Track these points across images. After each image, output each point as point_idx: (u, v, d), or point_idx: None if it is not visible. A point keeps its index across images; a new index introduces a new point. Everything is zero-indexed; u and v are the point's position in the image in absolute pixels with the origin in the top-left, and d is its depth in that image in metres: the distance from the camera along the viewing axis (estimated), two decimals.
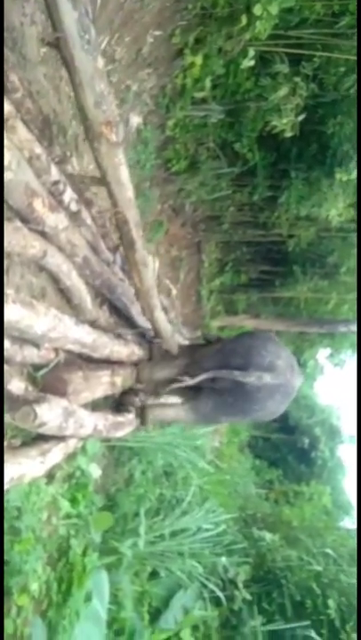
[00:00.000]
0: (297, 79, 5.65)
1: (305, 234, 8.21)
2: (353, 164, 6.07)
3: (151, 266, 3.78)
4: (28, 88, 3.24)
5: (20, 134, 2.73)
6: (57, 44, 2.30)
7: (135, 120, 5.90)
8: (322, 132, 6.54)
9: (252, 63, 5.54)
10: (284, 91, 5.64)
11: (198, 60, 5.44)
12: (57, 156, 3.35)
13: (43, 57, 3.52)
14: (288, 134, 5.87)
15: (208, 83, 5.80)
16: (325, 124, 6.34)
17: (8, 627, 2.50)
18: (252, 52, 5.40)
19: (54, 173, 3.14)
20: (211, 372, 4.32)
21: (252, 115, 6.32)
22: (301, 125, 5.91)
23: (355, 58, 5.42)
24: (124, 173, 2.90)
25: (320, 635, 5.46)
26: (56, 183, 3.21)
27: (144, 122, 6.03)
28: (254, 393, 4.25)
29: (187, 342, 5.47)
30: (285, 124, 5.73)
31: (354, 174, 6.06)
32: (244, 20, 4.92)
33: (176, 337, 5.41)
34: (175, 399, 4.88)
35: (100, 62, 2.42)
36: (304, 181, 6.99)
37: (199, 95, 6.01)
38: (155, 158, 6.32)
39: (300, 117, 5.79)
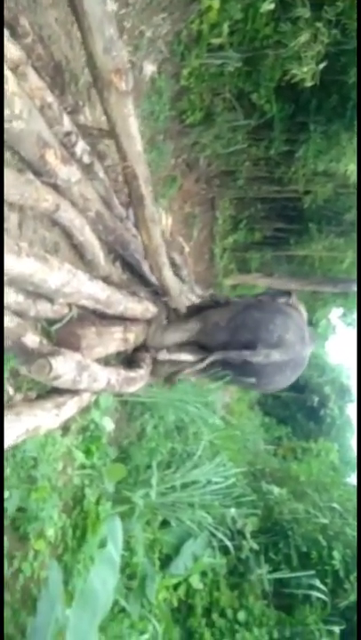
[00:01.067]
0: (319, 24, 5.35)
1: (322, 190, 7.98)
2: None
3: (160, 223, 3.71)
4: (39, 33, 3.13)
5: (31, 81, 2.65)
6: None
7: (149, 68, 5.69)
8: (343, 82, 6.24)
9: (271, 7, 5.27)
10: (304, 37, 5.36)
11: (216, 3, 5.18)
12: (69, 106, 3.26)
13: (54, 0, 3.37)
14: (308, 84, 5.61)
15: (225, 28, 5.55)
16: (347, 73, 6.04)
17: (26, 569, 2.61)
18: None
19: (66, 124, 3.06)
20: (220, 352, 4.36)
21: (271, 63, 6.03)
22: (322, 75, 5.63)
23: None
24: (134, 125, 2.82)
25: (324, 584, 5.66)
26: (68, 134, 3.13)
27: (158, 70, 5.81)
28: (262, 370, 4.32)
29: (197, 301, 5.44)
30: (306, 72, 5.47)
31: None
32: None
33: (184, 295, 5.38)
34: (187, 356, 4.93)
35: (110, 5, 2.32)
36: (323, 135, 6.75)
37: (216, 42, 5.75)
38: (169, 109, 6.12)
39: (321, 66, 5.51)
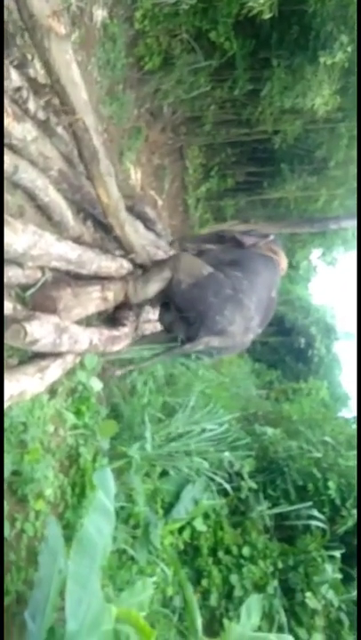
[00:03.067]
0: None
1: (291, 128, 7.83)
2: (337, 45, 5.64)
3: (115, 176, 3.59)
4: None
5: None
6: None
7: (99, 14, 5.42)
8: (303, 11, 6.02)
9: None
10: None
11: None
12: (16, 59, 3.10)
13: None
14: (266, 16, 5.38)
15: None
16: (306, 1, 5.82)
17: (28, 529, 2.69)
18: None
19: (15, 79, 2.92)
20: (165, 353, 4.87)
21: None
22: (280, 5, 5.42)
23: None
24: (76, 71, 2.69)
25: (322, 513, 5.91)
26: (19, 89, 2.99)
27: (110, 15, 5.54)
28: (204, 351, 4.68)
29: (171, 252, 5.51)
30: (263, 4, 5.24)
31: (339, 56, 5.65)
32: None
33: (162, 250, 5.38)
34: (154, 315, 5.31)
35: None
36: (287, 69, 6.56)
37: None
38: (125, 57, 5.88)
39: None
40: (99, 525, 2.00)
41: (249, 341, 4.90)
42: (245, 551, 5.40)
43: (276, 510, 5.95)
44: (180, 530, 5.10)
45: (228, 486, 5.54)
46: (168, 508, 4.88)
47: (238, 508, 5.98)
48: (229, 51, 6.53)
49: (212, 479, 5.35)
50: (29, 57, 3.52)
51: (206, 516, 5.38)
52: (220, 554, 5.33)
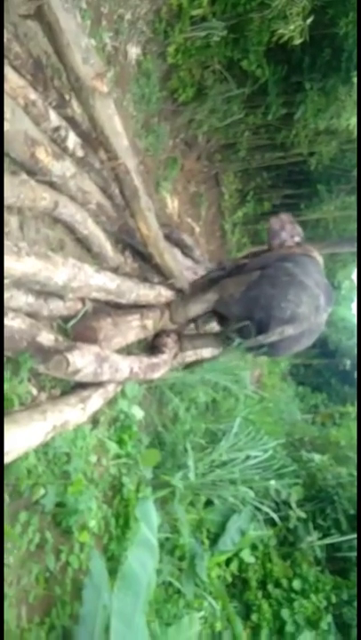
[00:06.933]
0: None
1: (326, 149, 7.79)
2: None
3: (154, 208, 3.71)
4: (14, 31, 3.09)
5: (11, 81, 2.63)
6: (38, 12, 2.42)
7: (133, 51, 5.60)
8: (334, 34, 6.04)
9: None
10: None
11: None
12: (54, 100, 3.23)
13: None
14: (297, 42, 5.44)
15: None
16: (337, 24, 5.84)
17: (73, 562, 2.67)
18: None
19: (54, 119, 3.05)
20: (237, 334, 4.57)
21: (257, 26, 5.86)
22: (311, 30, 5.45)
23: None
24: (118, 122, 2.93)
25: None
26: (57, 129, 3.11)
27: (143, 52, 5.71)
28: (279, 344, 4.44)
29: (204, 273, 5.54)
30: (293, 30, 5.30)
31: None
32: None
33: (187, 274, 5.43)
34: (211, 326, 5.25)
35: (79, 17, 2.53)
36: (320, 92, 6.56)
37: (197, 13, 5.61)
38: (159, 90, 6.03)
39: (309, 21, 5.33)
40: (142, 560, 1.97)
41: (323, 322, 4.62)
42: (296, 584, 5.19)
43: (327, 541, 5.72)
44: (228, 562, 4.96)
45: (275, 516, 5.38)
46: (214, 539, 4.77)
47: (287, 538, 5.79)
48: (261, 77, 6.60)
49: (259, 509, 5.20)
50: (67, 97, 3.66)
51: (254, 548, 5.22)
52: (270, 587, 5.15)
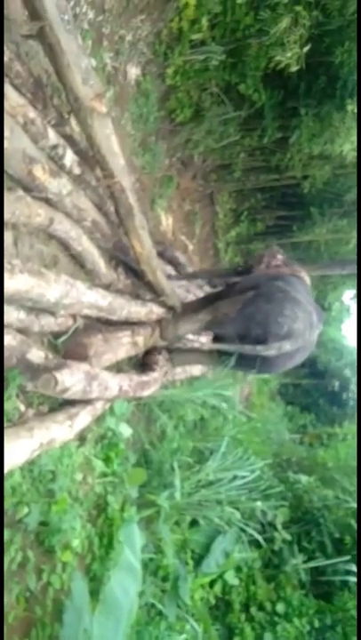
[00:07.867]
0: (298, 8, 5.30)
1: (320, 173, 7.92)
2: None
3: (148, 226, 3.74)
4: (15, 50, 3.13)
5: (11, 99, 2.66)
6: (40, 33, 2.41)
7: (133, 72, 5.69)
8: (330, 62, 6.19)
9: None
10: (285, 22, 5.32)
11: None
12: (53, 119, 3.27)
13: (27, 16, 3.38)
14: (294, 69, 5.57)
15: (205, 23, 5.53)
16: (333, 53, 5.99)
17: (55, 582, 2.64)
18: None
19: (52, 137, 3.08)
20: (234, 345, 4.50)
21: (255, 52, 5.99)
22: (307, 58, 5.59)
23: None
24: (115, 142, 2.96)
25: None
26: (55, 147, 3.14)
27: (142, 73, 5.80)
28: (274, 359, 4.42)
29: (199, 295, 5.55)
30: (290, 57, 5.43)
31: None
32: None
33: (192, 293, 5.44)
34: (202, 341, 5.23)
35: (80, 39, 2.55)
36: (315, 117, 6.69)
37: (197, 37, 5.73)
38: (157, 110, 6.12)
39: (306, 49, 5.47)
40: (125, 585, 1.95)
41: (315, 340, 4.66)
42: (280, 607, 5.16)
43: (312, 564, 5.70)
44: (211, 583, 4.92)
45: (260, 538, 5.36)
46: (198, 560, 4.73)
47: (272, 560, 5.76)
48: (258, 101, 6.73)
49: (244, 530, 5.18)
50: (66, 116, 3.71)
51: (238, 569, 5.19)
52: (253, 610, 5.11)
